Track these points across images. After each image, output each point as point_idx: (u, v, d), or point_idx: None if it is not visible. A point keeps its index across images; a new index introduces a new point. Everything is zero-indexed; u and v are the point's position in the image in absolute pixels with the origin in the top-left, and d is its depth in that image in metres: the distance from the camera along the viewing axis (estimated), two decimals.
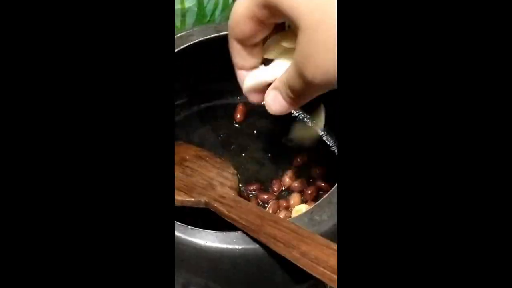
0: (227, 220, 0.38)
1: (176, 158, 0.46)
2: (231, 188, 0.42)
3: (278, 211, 0.48)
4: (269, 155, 0.54)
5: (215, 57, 0.49)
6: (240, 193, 0.47)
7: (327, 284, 0.36)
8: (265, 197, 0.50)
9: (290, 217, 0.46)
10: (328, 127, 0.54)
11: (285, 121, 0.55)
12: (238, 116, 0.56)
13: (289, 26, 0.37)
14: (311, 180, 0.51)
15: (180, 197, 0.41)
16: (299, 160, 0.52)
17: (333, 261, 0.31)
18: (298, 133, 0.53)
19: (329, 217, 0.37)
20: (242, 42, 0.37)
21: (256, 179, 0.52)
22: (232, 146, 0.55)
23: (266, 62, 0.39)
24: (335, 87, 0.31)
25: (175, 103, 0.55)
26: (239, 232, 0.37)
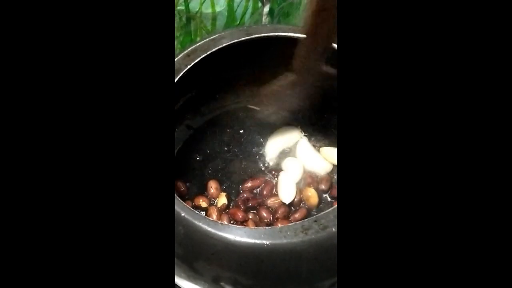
0: None
1: None
2: None
3: None
4: None
5: (246, 59, 0.51)
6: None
7: None
8: None
9: None
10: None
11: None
12: None
13: None
14: None
15: None
16: None
17: None
18: None
19: None
20: None
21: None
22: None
23: None
24: None
25: (207, 104, 0.57)
26: (267, 228, 0.38)
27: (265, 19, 0.63)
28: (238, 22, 0.60)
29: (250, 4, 0.60)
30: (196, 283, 0.40)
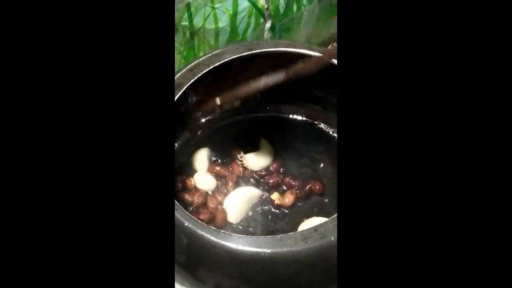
0: None
1: None
2: None
3: None
4: None
5: (247, 74, 0.52)
6: None
7: None
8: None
9: None
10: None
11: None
12: None
13: None
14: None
15: None
16: None
17: None
18: None
19: None
20: None
21: None
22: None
23: None
24: None
25: (208, 118, 0.58)
26: (268, 236, 0.39)
27: (266, 34, 0.64)
28: (240, 38, 0.61)
29: (252, 20, 0.61)
30: None
